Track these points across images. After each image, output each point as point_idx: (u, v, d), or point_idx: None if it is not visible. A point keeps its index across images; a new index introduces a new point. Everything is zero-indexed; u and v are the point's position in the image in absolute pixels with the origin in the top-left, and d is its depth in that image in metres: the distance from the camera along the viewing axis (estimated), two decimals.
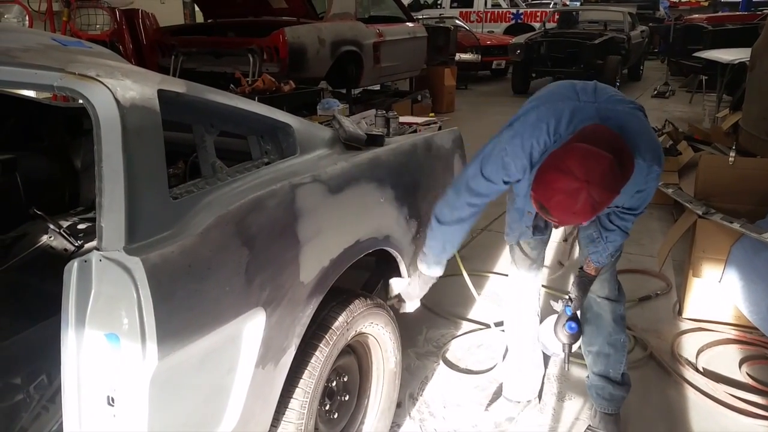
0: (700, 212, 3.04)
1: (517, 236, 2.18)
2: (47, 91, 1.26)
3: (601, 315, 2.15)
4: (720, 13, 15.85)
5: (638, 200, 1.82)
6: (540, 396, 2.45)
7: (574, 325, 1.98)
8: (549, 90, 1.90)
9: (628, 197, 1.76)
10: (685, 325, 3.01)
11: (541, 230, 2.13)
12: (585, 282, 2.03)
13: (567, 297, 2.05)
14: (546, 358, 2.46)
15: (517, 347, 2.39)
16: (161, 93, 1.35)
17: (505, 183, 1.84)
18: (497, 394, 2.46)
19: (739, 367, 2.68)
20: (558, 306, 2.05)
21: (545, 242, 2.26)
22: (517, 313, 2.35)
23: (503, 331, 2.50)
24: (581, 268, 2.05)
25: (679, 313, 3.10)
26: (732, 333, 2.91)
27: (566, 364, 2.05)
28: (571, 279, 2.09)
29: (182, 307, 1.21)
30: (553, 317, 2.07)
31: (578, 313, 2.04)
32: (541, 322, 2.34)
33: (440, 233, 1.95)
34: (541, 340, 2.14)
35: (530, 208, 1.92)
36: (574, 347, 2.04)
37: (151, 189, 1.25)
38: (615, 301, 2.15)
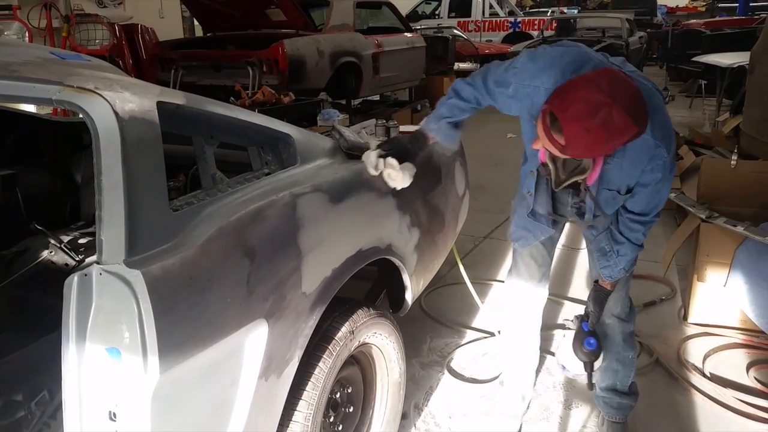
0: (703, 216, 3.03)
1: (526, 234, 2.05)
2: (46, 104, 1.26)
3: (610, 333, 2.09)
4: (717, 18, 15.89)
5: (648, 201, 1.74)
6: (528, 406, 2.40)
7: (593, 341, 1.90)
8: (574, 43, 1.82)
9: (629, 177, 1.67)
10: (691, 330, 2.99)
11: (544, 218, 1.98)
12: (602, 296, 1.96)
13: (583, 312, 1.99)
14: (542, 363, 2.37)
15: (517, 360, 2.31)
16: (161, 105, 1.35)
17: (497, 91, 1.78)
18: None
19: (747, 371, 2.65)
20: (573, 324, 1.98)
21: (554, 243, 2.15)
22: (519, 326, 2.25)
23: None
24: (596, 281, 1.98)
25: (685, 318, 3.08)
26: (738, 337, 2.89)
27: (590, 384, 1.96)
28: (586, 293, 2.02)
29: (184, 319, 1.20)
30: (569, 337, 1.98)
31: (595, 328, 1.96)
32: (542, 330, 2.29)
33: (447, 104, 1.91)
34: (561, 362, 2.05)
35: (533, 167, 1.86)
36: (596, 364, 1.96)
37: (151, 201, 1.25)
38: (625, 321, 2.09)
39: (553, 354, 2.68)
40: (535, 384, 2.50)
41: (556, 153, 1.54)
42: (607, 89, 1.37)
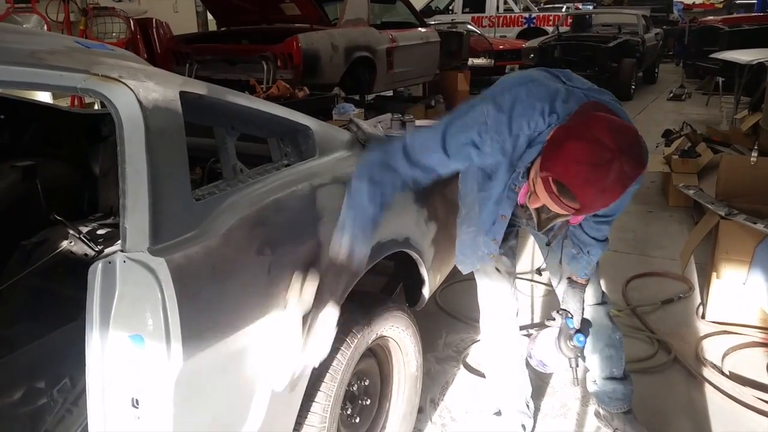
0: (722, 213, 2.99)
1: (476, 261, 1.99)
2: (71, 92, 1.26)
3: (597, 320, 2.07)
4: (735, 15, 15.70)
5: (617, 205, 1.63)
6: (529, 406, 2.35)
7: (582, 338, 1.86)
8: (527, 73, 1.65)
9: None
10: (709, 327, 2.96)
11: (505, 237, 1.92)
12: (579, 291, 1.93)
13: (562, 309, 1.93)
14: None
15: (504, 360, 2.24)
16: (183, 95, 1.35)
17: (465, 153, 1.53)
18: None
19: (767, 370, 2.62)
20: (555, 322, 1.92)
21: (515, 251, 2.13)
22: (499, 329, 2.19)
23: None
24: (569, 278, 1.95)
25: (703, 315, 3.05)
26: (758, 336, 2.85)
27: (576, 379, 1.92)
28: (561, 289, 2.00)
29: (207, 307, 1.20)
30: (546, 333, 1.93)
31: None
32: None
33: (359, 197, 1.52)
34: (538, 358, 1.98)
35: (505, 211, 1.77)
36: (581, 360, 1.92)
37: (174, 190, 1.25)
38: (603, 303, 2.11)
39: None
40: (556, 383, 2.48)
41: (563, 212, 1.43)
42: (610, 143, 1.28)
